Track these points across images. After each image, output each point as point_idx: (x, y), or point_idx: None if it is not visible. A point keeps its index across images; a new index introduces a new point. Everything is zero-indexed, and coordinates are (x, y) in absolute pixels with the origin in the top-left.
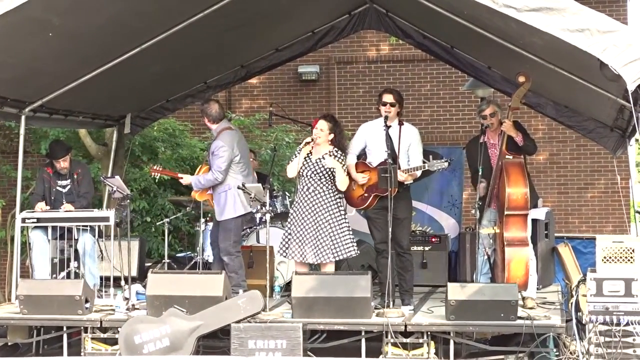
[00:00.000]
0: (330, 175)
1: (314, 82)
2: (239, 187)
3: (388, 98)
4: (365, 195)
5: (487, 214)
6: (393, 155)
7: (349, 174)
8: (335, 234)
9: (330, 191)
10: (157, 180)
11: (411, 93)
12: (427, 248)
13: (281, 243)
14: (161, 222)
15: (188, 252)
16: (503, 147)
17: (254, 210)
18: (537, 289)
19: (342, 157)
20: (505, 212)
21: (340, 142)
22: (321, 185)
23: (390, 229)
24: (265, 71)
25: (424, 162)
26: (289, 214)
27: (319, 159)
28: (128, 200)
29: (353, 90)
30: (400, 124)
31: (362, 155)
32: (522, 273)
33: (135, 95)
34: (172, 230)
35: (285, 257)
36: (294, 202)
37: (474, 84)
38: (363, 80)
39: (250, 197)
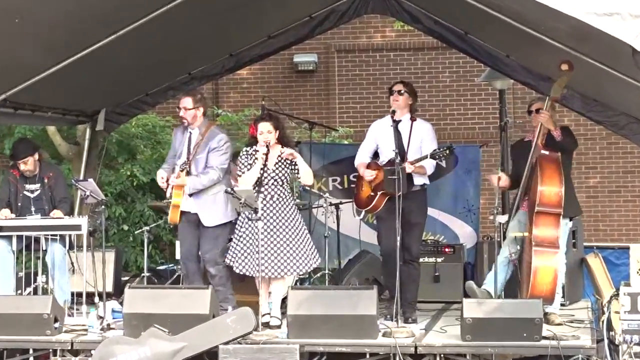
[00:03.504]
0: (287, 179)
1: (311, 73)
2: (226, 192)
3: (397, 87)
4: (372, 194)
5: (516, 216)
6: (401, 154)
7: (359, 177)
8: (305, 243)
9: (290, 198)
10: (135, 184)
11: (421, 85)
12: (439, 260)
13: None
14: (140, 230)
15: (170, 265)
16: (539, 141)
17: (245, 214)
18: (563, 305)
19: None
20: (536, 209)
21: (286, 137)
22: (281, 191)
23: (399, 236)
24: (257, 61)
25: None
26: (239, 222)
27: (277, 163)
28: (103, 206)
29: (355, 82)
30: (413, 119)
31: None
32: (549, 280)
33: (110, 89)
34: (153, 240)
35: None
36: (247, 212)
37: (491, 74)
38: (367, 70)
39: (240, 203)
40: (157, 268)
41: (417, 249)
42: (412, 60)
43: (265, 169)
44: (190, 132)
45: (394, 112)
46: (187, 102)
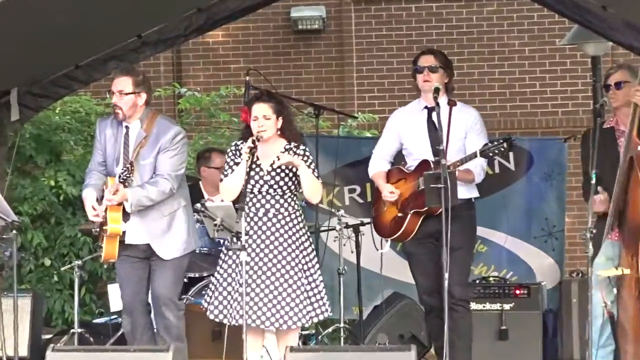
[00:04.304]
0: (294, 187)
1: (317, 34)
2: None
3: (426, 60)
4: (400, 215)
5: (605, 247)
6: (436, 154)
7: (378, 192)
8: (314, 284)
9: (296, 214)
10: (61, 198)
11: (474, 52)
12: (507, 306)
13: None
14: (69, 266)
15: (112, 316)
16: (633, 132)
17: (222, 243)
18: None
19: (305, 153)
20: None
21: (291, 129)
22: (281, 204)
23: (446, 272)
24: (238, 17)
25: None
26: (222, 254)
27: (274, 163)
28: (14, 232)
29: (381, 47)
30: (451, 104)
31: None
32: None
33: (25, 60)
34: (87, 279)
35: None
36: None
37: (580, 35)
38: (397, 29)
39: (215, 225)
40: (94, 321)
41: (463, 288)
42: (464, 15)
43: (257, 171)
44: (126, 128)
45: (437, 92)
46: (123, 83)
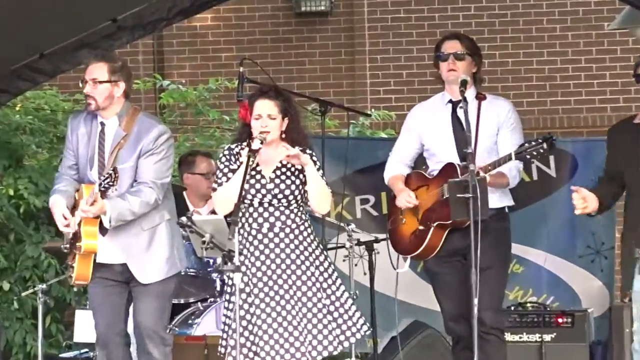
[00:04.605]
0: (300, 197)
1: (323, 17)
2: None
3: (451, 46)
4: (422, 229)
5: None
6: (462, 157)
7: (391, 197)
8: (338, 303)
9: (305, 225)
10: (21, 210)
11: (508, 38)
12: (548, 337)
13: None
14: (31, 291)
15: (83, 350)
16: None
17: (212, 263)
18: None
19: (312, 158)
20: None
21: (298, 131)
22: (287, 216)
23: (476, 297)
24: None
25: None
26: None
27: (278, 169)
28: None
29: (398, 32)
30: (480, 97)
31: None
32: None
33: None
34: (53, 306)
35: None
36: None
37: (632, 17)
38: (417, 11)
39: (203, 242)
40: (61, 355)
41: (495, 312)
42: None
43: (258, 179)
44: (102, 124)
45: (464, 84)
46: (98, 70)
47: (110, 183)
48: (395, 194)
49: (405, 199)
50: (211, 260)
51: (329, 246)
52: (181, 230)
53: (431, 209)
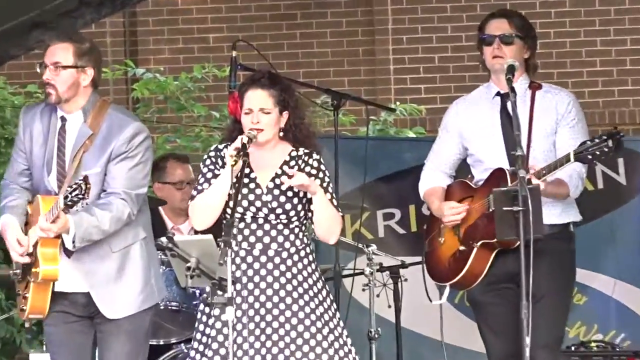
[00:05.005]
0: (303, 212)
1: None
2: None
3: (497, 27)
4: (464, 249)
5: None
6: (513, 159)
7: (432, 219)
8: (342, 352)
9: (306, 250)
10: None
11: (566, 13)
12: None
13: None
14: None
15: None
16: None
17: (198, 294)
18: None
19: (320, 167)
20: None
21: (301, 129)
22: (285, 237)
23: (527, 336)
24: None
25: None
26: (199, 312)
27: (278, 176)
28: None
29: (428, 6)
30: (534, 87)
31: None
32: None
33: None
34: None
35: None
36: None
37: None
38: None
39: (188, 269)
40: None
41: (552, 352)
42: None
43: (252, 188)
44: (62, 120)
45: (512, 71)
46: (61, 52)
47: (80, 196)
48: (432, 209)
49: (452, 211)
50: (197, 291)
51: (344, 273)
52: (159, 254)
53: (475, 225)
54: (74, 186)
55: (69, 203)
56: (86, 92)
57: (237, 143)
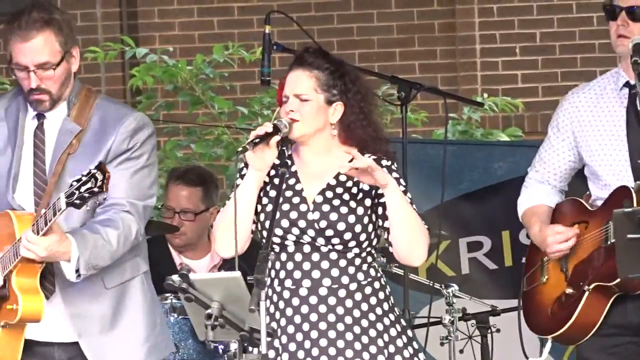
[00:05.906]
0: (366, 235)
1: None
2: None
3: None
4: (571, 292)
5: None
6: (638, 171)
7: (532, 249)
8: None
9: (374, 285)
10: None
11: None
12: None
13: None
14: None
15: None
16: None
17: (223, 351)
18: None
19: (397, 172)
20: None
21: (364, 126)
22: (342, 270)
23: None
24: None
25: None
26: None
27: (330, 188)
28: None
29: None
30: None
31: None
32: None
33: None
34: None
35: None
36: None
37: None
38: None
39: (209, 316)
40: None
41: None
42: None
43: (296, 202)
44: (39, 118)
45: (638, 53)
46: (43, 47)
47: (94, 189)
48: (531, 235)
49: (558, 238)
50: (220, 347)
51: (416, 322)
52: (170, 298)
53: (588, 260)
54: (83, 178)
55: (76, 202)
56: (69, 83)
57: (260, 130)
